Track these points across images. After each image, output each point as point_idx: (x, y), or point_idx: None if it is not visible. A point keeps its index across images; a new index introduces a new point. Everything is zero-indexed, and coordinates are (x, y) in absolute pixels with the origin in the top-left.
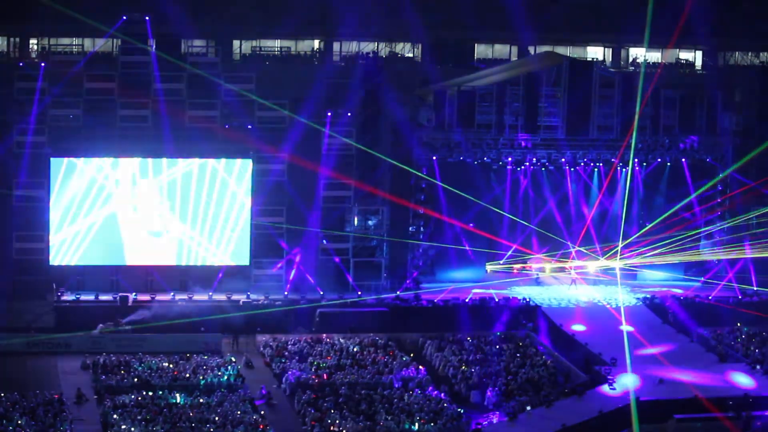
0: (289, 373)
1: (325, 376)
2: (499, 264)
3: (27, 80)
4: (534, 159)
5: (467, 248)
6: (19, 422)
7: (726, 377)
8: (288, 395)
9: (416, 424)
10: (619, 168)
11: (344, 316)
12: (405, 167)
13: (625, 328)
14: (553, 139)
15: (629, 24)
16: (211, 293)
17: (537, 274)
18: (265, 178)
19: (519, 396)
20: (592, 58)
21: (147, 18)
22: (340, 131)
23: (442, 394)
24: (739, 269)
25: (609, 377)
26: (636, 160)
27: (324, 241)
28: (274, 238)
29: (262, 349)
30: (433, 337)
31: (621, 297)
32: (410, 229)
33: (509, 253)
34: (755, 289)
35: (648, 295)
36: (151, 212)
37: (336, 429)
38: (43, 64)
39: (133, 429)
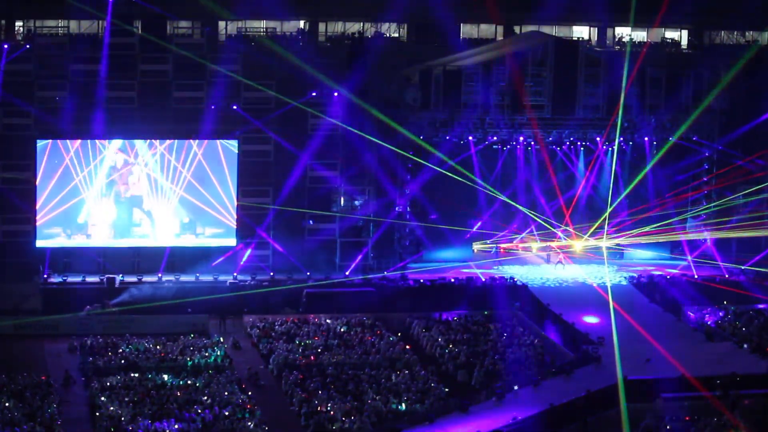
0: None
1: (312, 357)
2: (486, 243)
3: (12, 62)
4: (520, 138)
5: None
6: (7, 404)
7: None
8: (275, 376)
9: (403, 404)
10: (605, 147)
11: (331, 297)
12: (391, 147)
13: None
14: (540, 118)
15: (615, 3)
16: (198, 274)
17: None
18: (251, 159)
19: (506, 376)
20: (578, 38)
21: None
22: (326, 112)
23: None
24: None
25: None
26: (621, 138)
27: (310, 221)
28: (259, 219)
29: (249, 329)
30: (420, 317)
31: (607, 276)
32: (397, 209)
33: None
34: (742, 268)
35: (635, 274)
36: (137, 193)
37: (323, 409)
38: (28, 46)
39: (120, 410)
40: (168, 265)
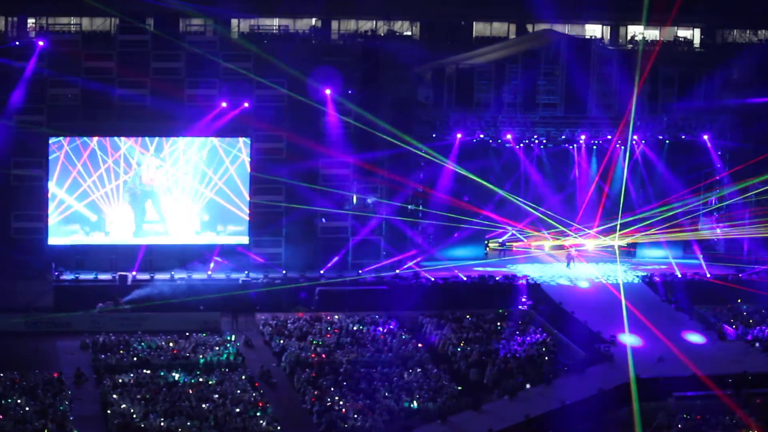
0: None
1: (324, 355)
2: (499, 242)
3: (25, 59)
4: (534, 137)
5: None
6: (19, 401)
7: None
8: (288, 373)
9: (416, 402)
10: (617, 145)
11: (344, 295)
12: (404, 145)
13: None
14: (552, 116)
15: (627, 1)
16: (210, 272)
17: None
18: (263, 157)
19: (518, 374)
20: (591, 36)
21: None
22: (338, 109)
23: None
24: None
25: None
26: (635, 137)
27: (323, 219)
28: (272, 217)
29: (261, 327)
30: (433, 315)
31: (620, 275)
32: (409, 207)
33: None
34: (754, 266)
35: (647, 273)
36: (149, 191)
37: (336, 407)
38: (41, 43)
39: (132, 408)
40: (180, 262)
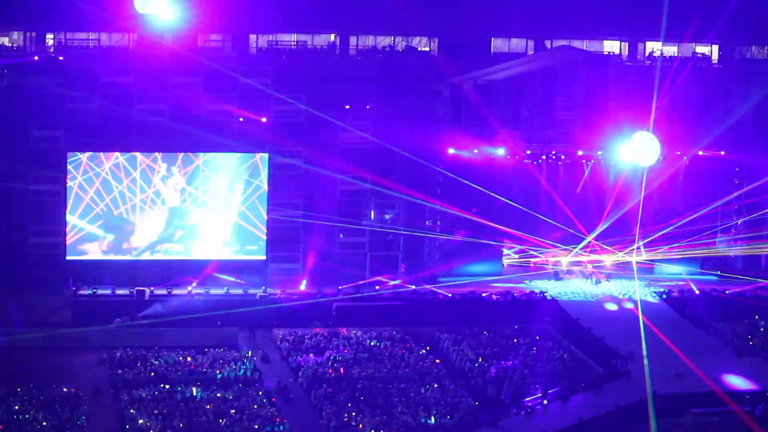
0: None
1: (341, 370)
2: (516, 258)
3: (43, 74)
4: (552, 152)
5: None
6: (36, 416)
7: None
8: (305, 389)
9: (433, 418)
10: None
11: (361, 311)
12: (421, 161)
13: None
14: (570, 132)
15: (646, 18)
16: (227, 287)
17: (552, 268)
18: (281, 173)
19: (535, 390)
20: (609, 52)
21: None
22: (356, 125)
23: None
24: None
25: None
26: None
27: (341, 234)
28: (290, 233)
29: (278, 343)
30: (450, 330)
31: (638, 291)
32: (427, 222)
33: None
34: None
35: (665, 289)
36: (167, 206)
37: (352, 423)
38: (60, 58)
39: (149, 423)
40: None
